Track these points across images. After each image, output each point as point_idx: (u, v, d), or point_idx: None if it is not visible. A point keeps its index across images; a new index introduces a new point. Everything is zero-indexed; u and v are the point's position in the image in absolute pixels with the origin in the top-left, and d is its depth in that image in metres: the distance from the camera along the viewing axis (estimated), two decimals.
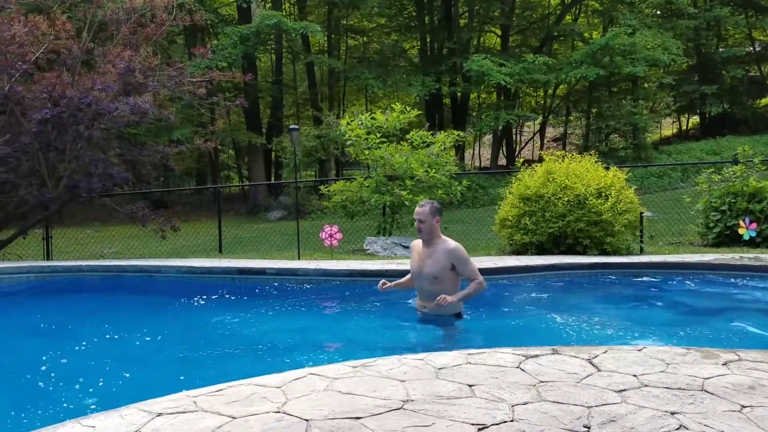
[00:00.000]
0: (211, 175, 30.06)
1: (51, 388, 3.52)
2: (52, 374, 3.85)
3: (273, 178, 28.27)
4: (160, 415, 2.47)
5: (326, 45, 29.68)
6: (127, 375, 3.89)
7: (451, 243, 4.80)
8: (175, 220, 11.88)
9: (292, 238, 11.83)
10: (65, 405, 3.23)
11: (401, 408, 2.56)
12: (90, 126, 10.06)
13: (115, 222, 16.26)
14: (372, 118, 11.35)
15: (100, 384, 3.67)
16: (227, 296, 6.81)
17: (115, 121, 10.18)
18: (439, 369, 3.12)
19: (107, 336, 4.62)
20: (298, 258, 9.76)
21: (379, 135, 11.10)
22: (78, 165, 10.43)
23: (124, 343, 4.48)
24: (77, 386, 3.48)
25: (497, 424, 2.40)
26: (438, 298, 4.49)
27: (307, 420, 2.42)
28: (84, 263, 9.17)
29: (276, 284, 7.54)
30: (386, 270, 7.47)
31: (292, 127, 11.57)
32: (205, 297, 6.50)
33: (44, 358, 4.23)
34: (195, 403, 2.62)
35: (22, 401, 3.41)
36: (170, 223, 11.47)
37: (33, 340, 4.39)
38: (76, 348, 4.48)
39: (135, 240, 13.12)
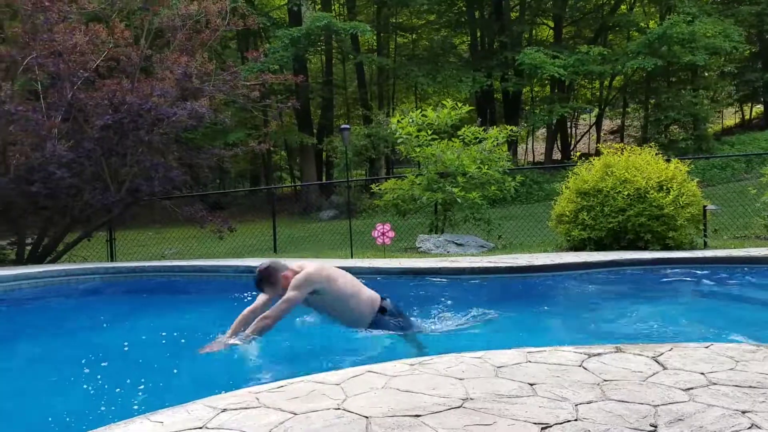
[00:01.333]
0: (265, 176, 30.60)
1: (120, 385, 3.65)
2: (122, 371, 3.99)
3: (324, 178, 28.56)
4: (224, 410, 2.52)
5: (375, 44, 29.77)
6: (191, 372, 4.00)
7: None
8: (231, 221, 12.15)
9: (344, 237, 11.93)
10: (134, 401, 3.34)
11: (461, 406, 2.53)
12: (150, 131, 10.39)
13: (175, 224, 16.77)
14: (423, 115, 11.31)
15: (167, 380, 3.79)
16: None
17: (174, 125, 10.48)
18: (498, 367, 3.07)
19: (173, 334, 4.75)
20: (351, 256, 9.82)
21: (430, 132, 11.05)
22: (139, 169, 10.79)
23: (188, 341, 4.61)
24: (145, 383, 3.60)
25: (561, 423, 2.34)
26: None
27: (366, 417, 2.42)
28: (147, 264, 9.46)
29: None
30: (440, 267, 7.44)
31: (343, 126, 11.66)
32: None
33: (114, 355, 4.39)
34: (257, 399, 2.67)
35: (94, 397, 3.54)
36: (227, 224, 11.74)
37: (103, 338, 4.57)
38: (143, 345, 4.63)
39: (194, 241, 13.49)
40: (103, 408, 3.30)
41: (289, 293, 4.22)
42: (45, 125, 9.96)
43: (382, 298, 4.59)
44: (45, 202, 10.50)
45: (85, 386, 3.65)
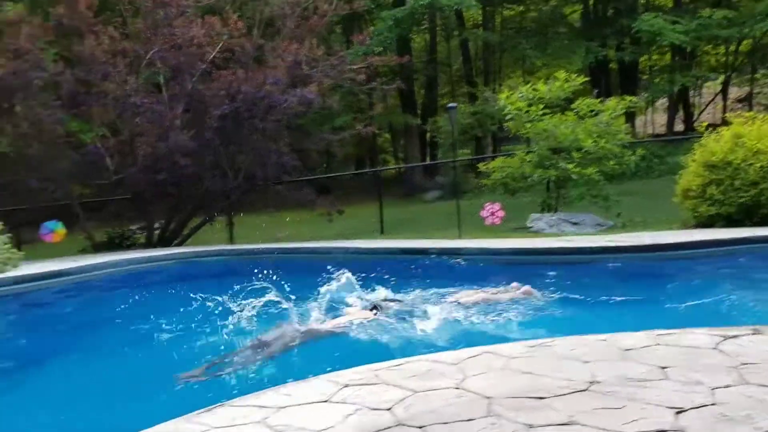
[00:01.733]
0: (370, 159, 30.95)
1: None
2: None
3: (428, 159, 28.45)
4: (346, 386, 2.58)
5: (481, 19, 29.06)
6: (313, 347, 4.12)
7: None
8: (339, 204, 12.40)
9: (450, 218, 11.82)
10: (263, 376, 3.53)
11: (587, 389, 2.43)
12: (263, 118, 10.74)
13: (287, 208, 17.37)
14: (533, 90, 10.92)
15: (291, 357, 3.94)
16: (391, 275, 6.92)
17: (285, 112, 10.79)
18: (625, 350, 2.92)
19: (295, 309, 4.92)
20: (459, 237, 9.73)
21: (541, 107, 10.66)
22: (254, 156, 11.21)
23: (306, 316, 4.78)
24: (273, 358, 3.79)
25: (696, 407, 2.19)
26: None
27: (488, 397, 2.38)
28: (264, 246, 9.89)
29: (438, 263, 7.52)
30: (555, 247, 7.20)
31: (450, 105, 11.50)
32: (373, 275, 6.64)
33: (246, 330, 4.63)
34: (377, 376, 2.70)
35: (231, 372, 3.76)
36: (335, 206, 12.00)
37: (235, 314, 4.81)
38: (265, 320, 4.84)
39: (304, 225, 13.90)
40: (234, 383, 3.50)
41: None
42: (168, 116, 10.57)
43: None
44: (170, 189, 11.20)
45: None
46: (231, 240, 12.85)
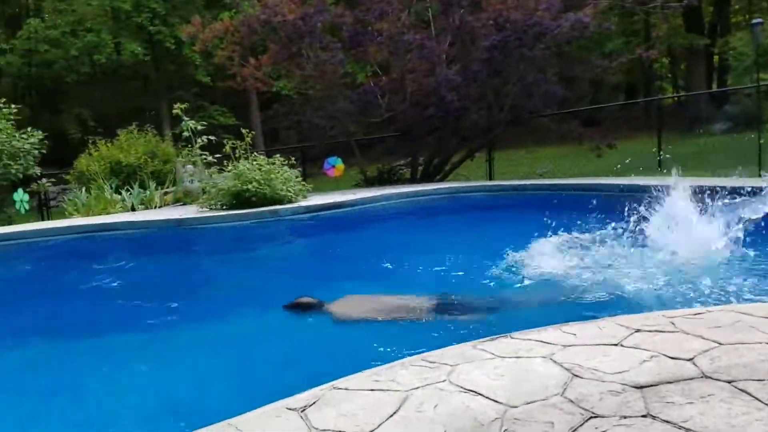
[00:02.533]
0: (644, 87, 28.17)
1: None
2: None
3: (714, 86, 24.88)
4: (638, 331, 2.39)
5: None
6: (599, 288, 3.92)
7: None
8: (611, 137, 11.55)
9: (742, 154, 10.24)
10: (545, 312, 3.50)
11: None
12: (532, 47, 10.30)
13: (546, 143, 16.79)
14: None
15: (577, 294, 3.82)
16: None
17: (556, 39, 10.21)
18: None
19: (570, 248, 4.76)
20: (759, 175, 8.38)
21: None
22: (521, 87, 10.87)
23: (586, 257, 4.58)
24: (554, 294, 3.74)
25: None
26: None
27: None
28: (527, 182, 9.75)
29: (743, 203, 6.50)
30: None
31: (754, 20, 9.76)
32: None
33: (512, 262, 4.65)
34: (673, 324, 2.46)
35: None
36: (606, 140, 11.20)
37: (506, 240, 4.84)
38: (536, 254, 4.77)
39: (564, 160, 13.29)
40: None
41: None
42: (436, 51, 10.76)
43: None
44: (437, 124, 11.54)
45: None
46: (489, 176, 12.88)
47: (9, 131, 11.38)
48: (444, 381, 2.08)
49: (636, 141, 14.35)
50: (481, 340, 2.47)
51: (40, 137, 11.91)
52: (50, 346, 3.97)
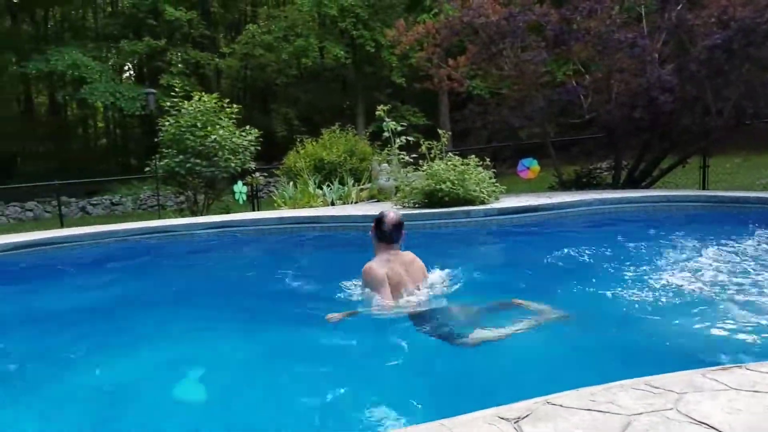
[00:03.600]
0: None
1: None
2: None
3: None
4: None
5: None
6: None
7: None
8: None
9: None
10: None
11: None
12: (760, 46, 9.25)
13: (765, 150, 14.87)
14: None
15: None
16: None
17: None
18: None
19: None
20: None
21: None
22: (744, 89, 9.79)
23: None
24: None
25: None
26: None
27: None
28: (750, 194, 8.65)
29: None
30: None
31: None
32: None
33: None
34: None
35: None
36: None
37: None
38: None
39: None
40: None
41: None
42: (648, 50, 10.04)
43: None
44: (644, 126, 10.75)
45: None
46: (703, 185, 11.71)
47: (231, 129, 12.70)
48: (671, 409, 1.90)
49: None
50: (711, 368, 2.23)
51: (256, 135, 13.13)
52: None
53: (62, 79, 30.33)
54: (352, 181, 11.79)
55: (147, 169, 14.80)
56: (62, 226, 13.09)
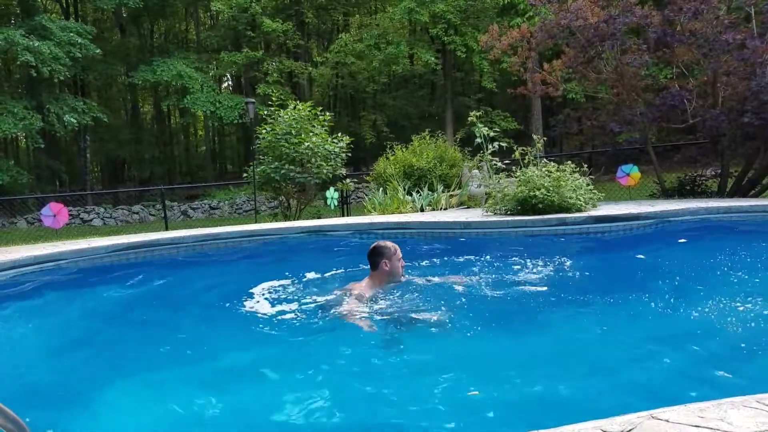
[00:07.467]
0: None
1: None
2: None
3: None
4: None
5: None
6: None
7: None
8: None
9: None
10: None
11: None
12: None
13: None
14: None
15: None
16: None
17: None
18: None
19: None
20: None
21: None
22: None
23: None
24: None
25: None
26: None
27: None
28: None
29: None
30: None
31: None
32: None
33: None
34: None
35: None
36: None
37: None
38: None
39: None
40: None
41: None
42: (758, 51, 9.44)
43: None
44: (753, 132, 10.11)
45: None
46: None
47: (323, 136, 13.04)
48: None
49: None
50: None
51: (348, 141, 13.40)
52: None
53: (167, 89, 32.17)
54: (442, 188, 11.78)
55: (245, 175, 15.44)
56: (167, 228, 13.87)
